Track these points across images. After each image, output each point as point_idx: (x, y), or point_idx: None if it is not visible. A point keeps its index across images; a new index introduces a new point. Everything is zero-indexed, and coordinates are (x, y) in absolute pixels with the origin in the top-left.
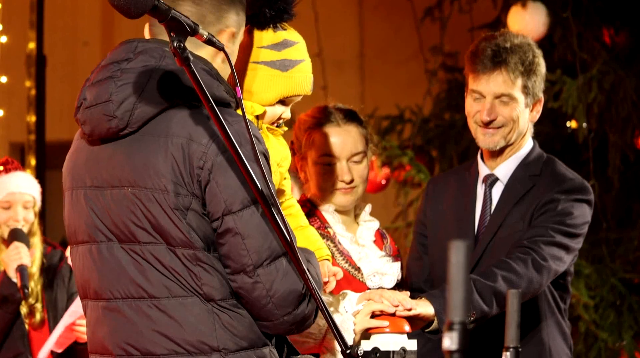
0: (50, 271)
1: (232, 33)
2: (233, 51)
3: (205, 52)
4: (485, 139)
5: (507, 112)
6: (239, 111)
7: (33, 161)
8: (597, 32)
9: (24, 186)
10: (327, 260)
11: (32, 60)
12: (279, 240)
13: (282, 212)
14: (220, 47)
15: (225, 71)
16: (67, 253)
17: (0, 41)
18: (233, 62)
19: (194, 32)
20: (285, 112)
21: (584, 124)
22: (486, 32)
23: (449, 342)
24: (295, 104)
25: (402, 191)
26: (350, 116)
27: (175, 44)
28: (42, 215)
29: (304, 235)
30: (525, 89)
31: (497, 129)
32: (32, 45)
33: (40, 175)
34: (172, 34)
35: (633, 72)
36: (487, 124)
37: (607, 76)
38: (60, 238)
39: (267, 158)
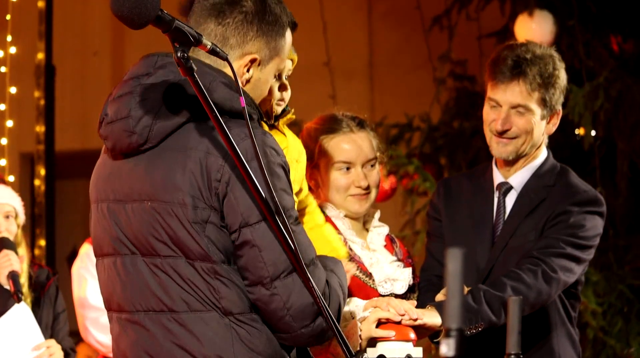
0: (38, 288)
1: (253, 59)
2: (259, 77)
3: (228, 70)
4: (498, 148)
5: (522, 123)
6: (265, 126)
7: (42, 171)
8: (604, 40)
9: (3, 197)
10: (346, 257)
11: (41, 70)
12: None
13: (292, 227)
14: (223, 57)
15: (251, 92)
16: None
17: (9, 52)
18: (261, 88)
19: (198, 42)
20: (284, 90)
21: (592, 132)
22: (494, 41)
23: (446, 348)
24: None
25: (409, 199)
26: (361, 123)
27: (179, 55)
28: (52, 225)
29: (321, 233)
30: (543, 102)
31: (510, 140)
32: (41, 55)
33: (49, 185)
34: (175, 44)
35: None
36: (501, 134)
37: (615, 84)
38: (71, 247)
39: (286, 170)
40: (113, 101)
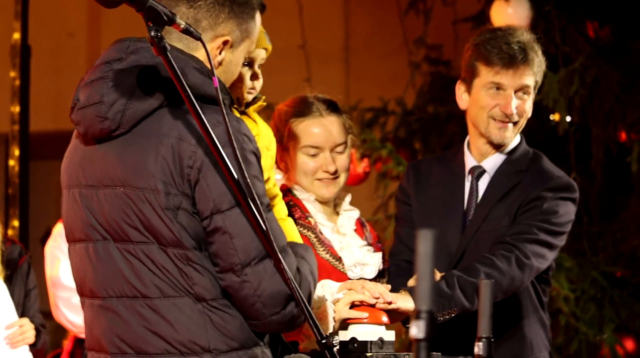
0: (10, 265)
1: (225, 41)
2: (230, 60)
3: (200, 54)
4: (500, 133)
5: (523, 106)
6: (235, 111)
7: (17, 152)
8: (580, 26)
9: None
10: None
11: (17, 50)
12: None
13: (264, 214)
14: (197, 37)
15: (222, 75)
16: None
17: None
18: (232, 70)
19: (171, 21)
20: (256, 79)
21: (568, 118)
22: (470, 25)
23: (416, 330)
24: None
25: (382, 183)
26: (332, 107)
27: (152, 34)
28: (25, 205)
29: (284, 227)
30: (535, 86)
31: (513, 124)
32: (16, 35)
33: (24, 165)
34: (149, 23)
35: (617, 66)
36: (507, 117)
37: (590, 70)
38: (45, 228)
39: (258, 157)
40: (85, 86)
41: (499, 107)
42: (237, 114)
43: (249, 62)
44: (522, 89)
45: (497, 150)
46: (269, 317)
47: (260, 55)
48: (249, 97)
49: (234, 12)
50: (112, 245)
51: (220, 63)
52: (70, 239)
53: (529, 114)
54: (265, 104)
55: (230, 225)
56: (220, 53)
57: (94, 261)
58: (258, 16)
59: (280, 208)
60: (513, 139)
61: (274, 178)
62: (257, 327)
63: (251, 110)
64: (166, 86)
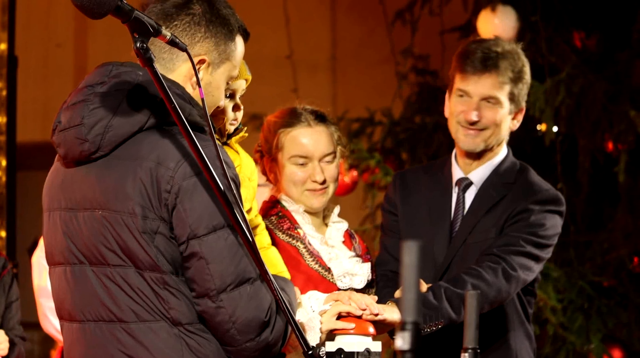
0: None
1: (202, 60)
2: (210, 81)
3: (176, 76)
4: (466, 140)
5: (491, 115)
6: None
7: (4, 162)
8: (567, 36)
9: None
10: None
11: (4, 61)
12: (246, 265)
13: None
14: (182, 48)
15: (197, 97)
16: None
17: None
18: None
19: (157, 32)
20: (237, 110)
21: (554, 128)
22: (457, 36)
23: (402, 341)
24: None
25: (370, 193)
26: (321, 117)
27: (138, 45)
28: (12, 216)
29: (266, 256)
30: (511, 96)
31: (479, 132)
32: (3, 46)
33: (11, 176)
34: (135, 34)
35: (603, 75)
36: (471, 125)
37: (577, 80)
38: (32, 239)
39: (237, 184)
40: (67, 108)
41: (463, 114)
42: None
43: (231, 94)
44: (488, 98)
45: (482, 161)
46: (243, 343)
47: (242, 86)
48: (231, 129)
49: (210, 32)
50: (89, 269)
51: (199, 84)
52: (50, 262)
53: (506, 124)
54: (247, 135)
55: (207, 250)
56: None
57: (72, 284)
58: (240, 41)
59: (262, 237)
60: (482, 147)
61: (256, 209)
62: (232, 353)
63: (233, 141)
64: (148, 109)
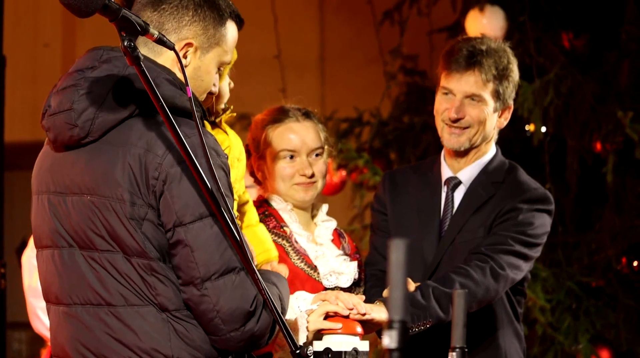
0: None
1: (189, 43)
2: (198, 66)
3: (164, 59)
4: (450, 138)
5: (475, 113)
6: (206, 123)
7: None
8: (555, 36)
9: None
10: (276, 259)
11: None
12: (231, 255)
13: (238, 226)
14: (170, 47)
15: (192, 82)
16: None
17: None
18: (201, 77)
19: (145, 31)
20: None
21: (543, 128)
22: (445, 36)
23: (389, 340)
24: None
25: (359, 193)
26: (308, 114)
27: (125, 44)
28: (0, 216)
29: (254, 233)
30: (496, 94)
31: (463, 130)
32: None
33: None
34: (122, 33)
35: (591, 76)
36: (454, 122)
37: (565, 80)
38: (20, 239)
39: (226, 171)
40: (56, 93)
41: (447, 112)
42: (209, 125)
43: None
44: (472, 96)
45: (470, 160)
46: (227, 333)
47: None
48: (220, 110)
49: (198, 15)
50: (78, 252)
51: (185, 67)
52: (38, 245)
53: (492, 122)
54: (234, 114)
55: (192, 238)
56: (185, 57)
57: (59, 267)
58: (232, 26)
59: (251, 214)
60: (467, 145)
61: (244, 186)
62: (217, 343)
63: (222, 121)
64: (137, 96)
